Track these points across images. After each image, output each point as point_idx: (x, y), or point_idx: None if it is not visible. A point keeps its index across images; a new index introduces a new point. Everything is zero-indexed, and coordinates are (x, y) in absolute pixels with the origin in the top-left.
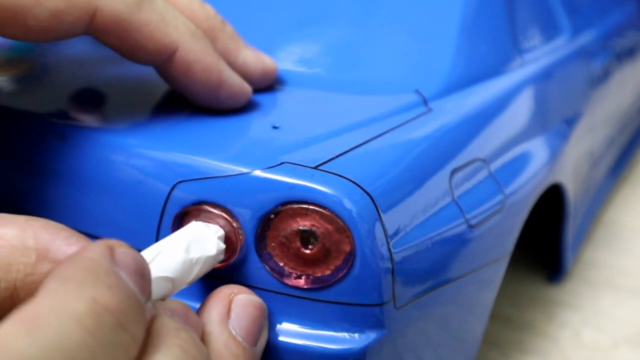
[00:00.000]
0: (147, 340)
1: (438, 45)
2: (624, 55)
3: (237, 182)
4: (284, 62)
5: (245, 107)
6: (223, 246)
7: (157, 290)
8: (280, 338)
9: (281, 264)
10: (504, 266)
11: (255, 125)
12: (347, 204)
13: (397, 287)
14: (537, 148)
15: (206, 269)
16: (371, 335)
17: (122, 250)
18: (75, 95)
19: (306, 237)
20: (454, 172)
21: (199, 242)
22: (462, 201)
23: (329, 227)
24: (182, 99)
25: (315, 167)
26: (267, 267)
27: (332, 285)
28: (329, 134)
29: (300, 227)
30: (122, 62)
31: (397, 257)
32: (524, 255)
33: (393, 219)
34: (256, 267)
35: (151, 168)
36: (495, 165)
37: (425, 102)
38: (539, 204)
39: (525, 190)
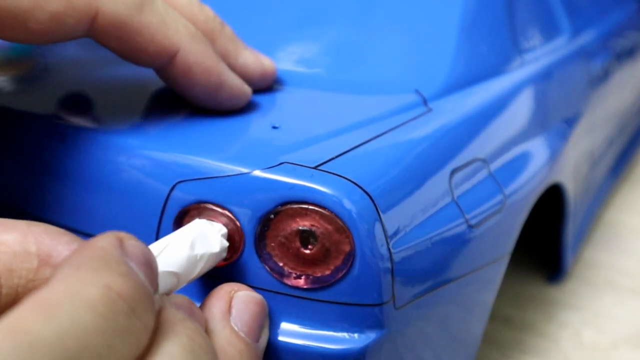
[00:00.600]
0: (156, 330)
1: (438, 45)
2: (624, 55)
3: (236, 182)
4: (283, 62)
5: (245, 108)
6: (226, 244)
7: (162, 284)
8: (280, 338)
9: (281, 264)
10: (504, 266)
11: (255, 126)
12: (347, 204)
13: (396, 287)
14: (537, 148)
15: (209, 265)
16: (371, 335)
17: (131, 242)
18: (75, 95)
19: (306, 237)
20: (453, 172)
21: (204, 239)
22: (462, 201)
23: (329, 227)
24: (182, 99)
25: (315, 167)
26: (266, 267)
27: (331, 285)
28: (329, 134)
29: (300, 227)
30: (122, 62)
31: (396, 257)
32: (524, 255)
33: (393, 219)
34: (256, 267)
35: (151, 168)
36: (495, 165)
37: (425, 102)
38: (539, 204)
39: (525, 190)
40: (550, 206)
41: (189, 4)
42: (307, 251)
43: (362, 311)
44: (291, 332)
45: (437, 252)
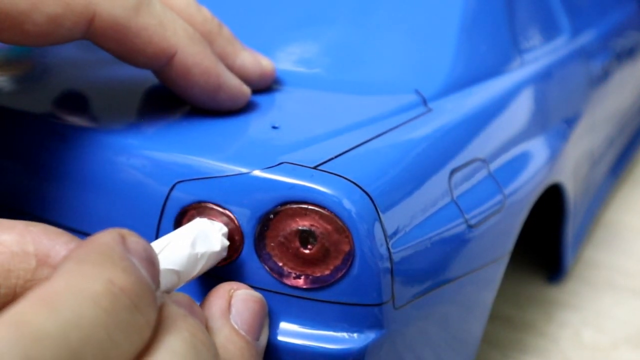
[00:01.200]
0: (158, 326)
1: (438, 46)
2: (624, 55)
3: (236, 182)
4: (283, 62)
5: (245, 108)
6: (227, 243)
7: (163, 282)
8: (280, 338)
9: (280, 264)
10: (503, 266)
11: (255, 126)
12: (347, 204)
13: (396, 287)
14: (537, 148)
15: (210, 264)
16: (370, 335)
17: (133, 238)
18: (75, 95)
19: (305, 237)
20: (453, 172)
21: (204, 237)
22: (462, 201)
23: (328, 227)
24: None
25: (315, 167)
26: (266, 267)
27: (331, 285)
28: (329, 134)
29: (300, 227)
30: (122, 63)
31: (396, 257)
32: (524, 255)
33: (392, 219)
34: (255, 267)
35: (151, 168)
36: (494, 165)
37: (424, 102)
38: (539, 204)
39: (525, 190)
40: (550, 206)
41: (186, 6)
42: (307, 251)
43: (362, 311)
44: (291, 332)
45: (437, 252)
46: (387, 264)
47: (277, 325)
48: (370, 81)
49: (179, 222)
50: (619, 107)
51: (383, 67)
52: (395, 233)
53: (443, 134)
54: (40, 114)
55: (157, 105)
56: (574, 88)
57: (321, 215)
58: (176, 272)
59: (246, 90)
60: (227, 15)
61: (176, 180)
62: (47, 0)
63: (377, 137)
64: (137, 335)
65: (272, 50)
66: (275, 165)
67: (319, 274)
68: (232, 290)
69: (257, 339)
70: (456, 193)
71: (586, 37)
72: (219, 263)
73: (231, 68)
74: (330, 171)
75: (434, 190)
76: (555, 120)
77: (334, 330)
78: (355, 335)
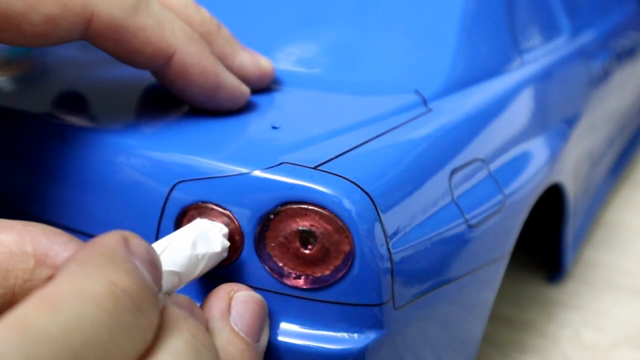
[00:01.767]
0: (160, 327)
1: (438, 46)
2: (624, 55)
3: (236, 182)
4: (283, 62)
5: (244, 108)
6: (227, 243)
7: (164, 283)
8: (280, 338)
9: (280, 264)
10: (503, 266)
11: (255, 126)
12: (347, 204)
13: (396, 287)
14: (537, 148)
15: (211, 265)
16: (370, 335)
17: (136, 241)
18: (75, 95)
19: (305, 237)
20: (453, 172)
21: (205, 238)
22: (462, 201)
23: (329, 227)
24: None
25: (315, 168)
26: (266, 267)
27: (331, 285)
28: (329, 134)
29: (300, 227)
30: (122, 63)
31: (396, 257)
32: (524, 255)
33: (392, 219)
34: (256, 267)
35: (151, 168)
36: (495, 165)
37: (424, 102)
38: (539, 204)
39: (525, 190)
40: (550, 206)
41: (185, 6)
42: (307, 251)
43: (362, 311)
44: (291, 332)
45: (437, 252)
46: (388, 264)
47: (277, 326)
48: (370, 81)
49: (179, 223)
50: (619, 107)
51: (383, 67)
52: (395, 233)
53: (443, 134)
54: (40, 114)
55: (157, 105)
56: (574, 88)
57: (321, 216)
58: (177, 274)
59: (245, 90)
60: (227, 15)
61: (176, 181)
62: (44, 0)
63: (377, 137)
64: (139, 337)
65: (272, 50)
66: (276, 166)
67: (319, 274)
68: (232, 292)
69: (258, 340)
70: (456, 193)
71: (586, 37)
72: (219, 264)
73: (230, 68)
74: (331, 171)
75: (434, 191)
76: (555, 120)
77: (334, 331)
78: (355, 335)
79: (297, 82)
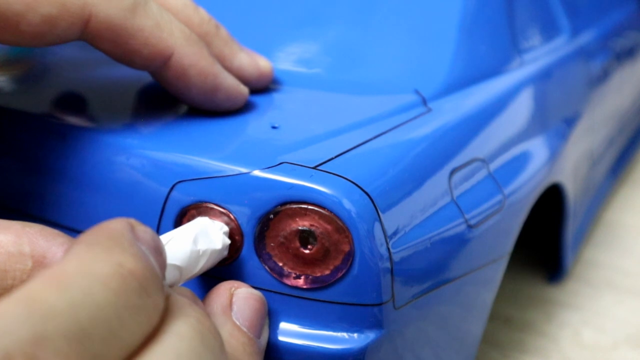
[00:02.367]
0: (165, 312)
1: (437, 46)
2: (624, 55)
3: (236, 182)
4: (283, 62)
5: (244, 108)
6: (228, 242)
7: (166, 276)
8: (280, 338)
9: (280, 264)
10: (503, 266)
11: (255, 126)
12: (346, 204)
13: (396, 287)
14: (537, 148)
15: (211, 263)
16: (370, 335)
17: (142, 227)
18: (74, 95)
19: (305, 237)
20: (453, 172)
21: (206, 235)
22: (462, 201)
23: (328, 227)
24: None
25: (315, 167)
26: (266, 267)
27: (331, 285)
28: (328, 134)
29: (300, 227)
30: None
31: (396, 257)
32: (524, 255)
33: (392, 219)
34: (255, 267)
35: (150, 168)
36: (494, 165)
37: (424, 102)
38: (538, 203)
39: (525, 190)
40: (550, 206)
41: (183, 7)
42: (307, 251)
43: (362, 311)
44: (291, 332)
45: (437, 252)
46: (387, 264)
47: (277, 325)
48: (370, 81)
49: (179, 223)
50: (619, 107)
51: (383, 67)
52: (395, 233)
53: (443, 133)
54: (40, 114)
55: (156, 105)
56: (574, 88)
57: (321, 215)
58: (178, 268)
59: (244, 90)
60: (227, 15)
61: (176, 181)
62: (42, 1)
63: (376, 137)
64: (145, 318)
65: (271, 50)
66: (275, 165)
67: (319, 274)
68: (233, 289)
69: (259, 337)
70: (456, 193)
71: (586, 37)
72: (219, 263)
73: (229, 69)
74: (330, 171)
75: (434, 190)
76: (555, 120)
77: (334, 330)
78: (355, 335)
79: (296, 82)
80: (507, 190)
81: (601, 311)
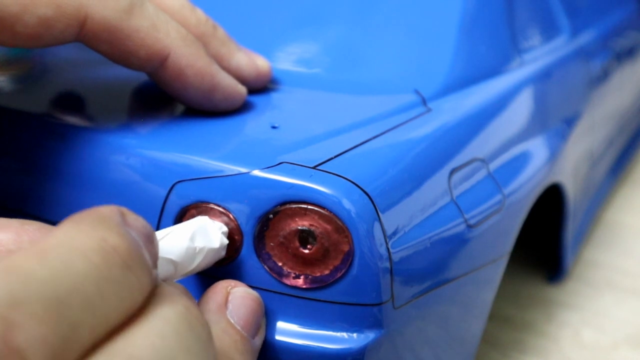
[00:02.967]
0: (153, 297)
1: (437, 45)
2: (624, 55)
3: (236, 182)
4: (283, 62)
5: (244, 108)
6: (226, 242)
7: (160, 270)
8: (279, 338)
9: (280, 264)
10: (503, 266)
11: (254, 126)
12: (346, 203)
13: (395, 286)
14: (537, 148)
15: (208, 261)
16: (370, 335)
17: (133, 216)
18: (74, 95)
19: (305, 237)
20: (453, 172)
21: (204, 233)
22: (461, 201)
23: (328, 227)
24: None
25: (314, 167)
26: (265, 267)
27: (330, 285)
28: (328, 134)
29: (299, 227)
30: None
31: (395, 257)
32: (524, 255)
33: (392, 219)
34: (255, 267)
35: (150, 168)
36: (494, 165)
37: (424, 102)
38: (538, 204)
39: (525, 190)
40: (550, 206)
41: (180, 8)
42: (306, 251)
43: (361, 311)
44: (290, 332)
45: (436, 252)
46: (387, 264)
47: (276, 325)
48: (369, 81)
49: (178, 222)
50: (619, 107)
51: (383, 67)
52: (394, 233)
53: (442, 133)
54: (40, 114)
55: (156, 105)
56: (574, 88)
57: (320, 215)
58: (173, 262)
59: (242, 89)
60: (226, 15)
61: (175, 180)
62: (38, 2)
63: (376, 137)
64: (128, 294)
65: (271, 50)
66: (275, 165)
67: (318, 274)
68: (230, 288)
69: (253, 336)
70: (456, 193)
71: (586, 37)
72: (218, 263)
73: (227, 69)
74: (330, 171)
75: (434, 190)
76: (554, 120)
77: (334, 330)
78: (354, 335)
79: (296, 82)
80: (506, 190)
81: (601, 311)
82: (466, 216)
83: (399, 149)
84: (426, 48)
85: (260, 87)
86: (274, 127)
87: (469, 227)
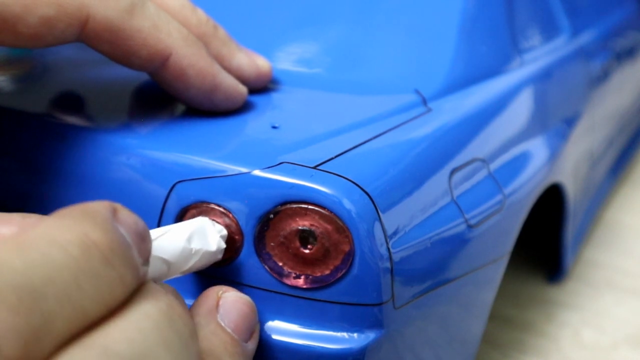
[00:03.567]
0: (136, 293)
1: (437, 45)
2: (624, 55)
3: (236, 182)
4: (283, 62)
5: (244, 108)
6: (223, 246)
7: (152, 269)
8: (280, 338)
9: (280, 264)
10: (503, 266)
11: (255, 125)
12: (347, 203)
13: (396, 286)
14: (537, 148)
15: (203, 263)
16: (370, 335)
17: (125, 212)
18: (74, 95)
19: (305, 237)
20: (453, 172)
21: (202, 235)
22: (462, 201)
23: (328, 227)
24: None
25: (315, 167)
26: (266, 267)
27: (331, 285)
28: (329, 134)
29: (300, 227)
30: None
31: (396, 257)
32: (524, 255)
33: (392, 219)
34: (255, 267)
35: (150, 168)
36: (494, 165)
37: (424, 102)
38: (538, 204)
39: (525, 190)
40: (550, 206)
41: (181, 8)
42: (307, 251)
43: (362, 311)
44: (290, 332)
45: (437, 252)
46: (387, 264)
47: (276, 325)
48: (370, 81)
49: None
50: (619, 107)
51: (383, 67)
52: (395, 233)
53: (443, 133)
54: (40, 114)
55: (156, 105)
56: (574, 88)
57: (321, 215)
58: (166, 262)
59: (242, 89)
60: (227, 15)
61: (176, 180)
62: (40, 2)
63: (377, 137)
64: (107, 288)
65: (271, 50)
66: (275, 165)
67: (319, 274)
68: (221, 292)
69: (245, 340)
70: (456, 193)
71: (586, 37)
72: (218, 264)
73: (228, 69)
74: (330, 171)
75: (434, 190)
76: (555, 120)
77: (334, 330)
78: (355, 335)
79: (296, 82)
80: (507, 190)
81: (601, 311)
82: (467, 216)
83: (399, 149)
84: (426, 48)
85: (261, 87)
86: (274, 127)
87: (470, 227)
